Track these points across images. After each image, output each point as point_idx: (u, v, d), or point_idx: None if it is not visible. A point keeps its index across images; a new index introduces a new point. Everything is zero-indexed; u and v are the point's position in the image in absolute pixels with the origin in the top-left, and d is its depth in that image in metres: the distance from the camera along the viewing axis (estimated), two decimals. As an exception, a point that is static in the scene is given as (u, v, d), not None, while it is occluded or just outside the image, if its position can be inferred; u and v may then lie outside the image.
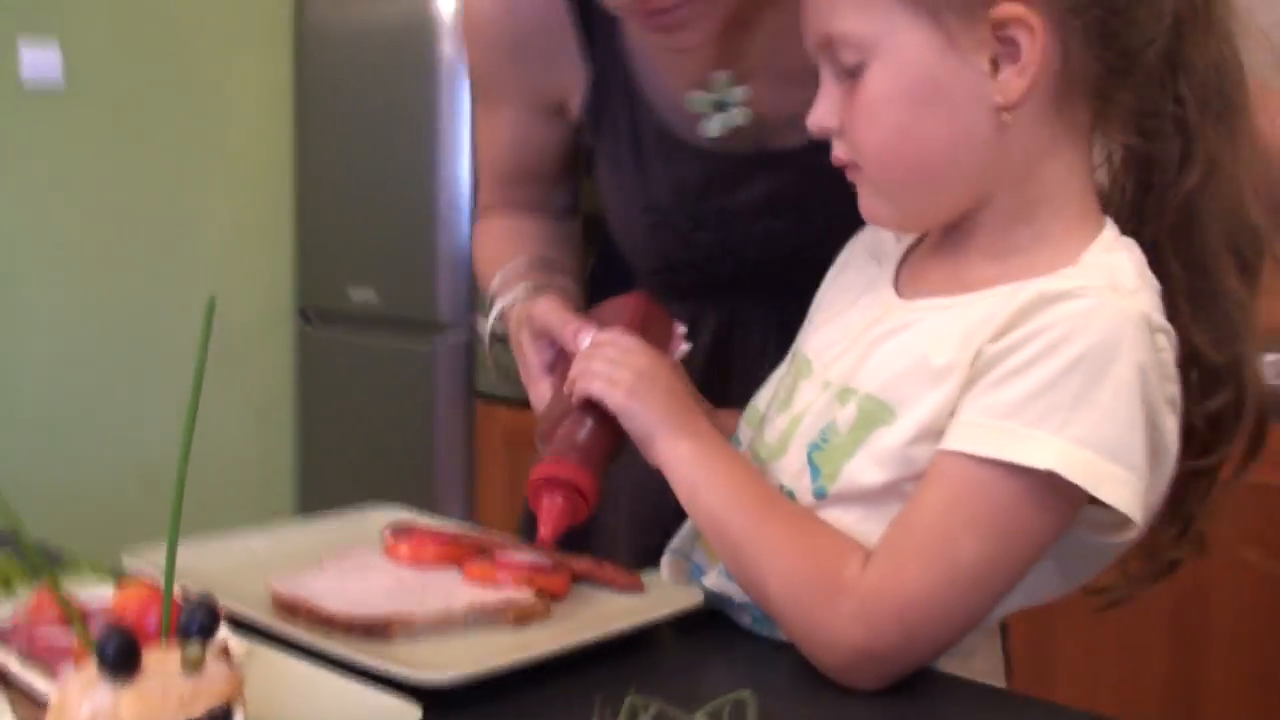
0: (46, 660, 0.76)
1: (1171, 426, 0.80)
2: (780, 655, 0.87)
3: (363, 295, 3.33)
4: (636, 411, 0.91)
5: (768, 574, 0.83)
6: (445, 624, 0.87)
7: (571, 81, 1.15)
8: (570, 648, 0.82)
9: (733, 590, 0.91)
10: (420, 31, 3.16)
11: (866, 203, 0.89)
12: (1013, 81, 0.80)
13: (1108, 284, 0.80)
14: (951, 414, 0.80)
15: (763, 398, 1.01)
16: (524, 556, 0.94)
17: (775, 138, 1.10)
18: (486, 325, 1.17)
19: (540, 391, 1.05)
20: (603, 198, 1.22)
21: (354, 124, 3.34)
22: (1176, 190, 0.84)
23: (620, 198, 1.17)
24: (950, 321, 0.84)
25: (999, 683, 0.91)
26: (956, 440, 0.79)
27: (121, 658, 0.64)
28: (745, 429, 1.00)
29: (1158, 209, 0.84)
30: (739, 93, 1.10)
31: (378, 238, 3.29)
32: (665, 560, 1.03)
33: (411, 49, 3.19)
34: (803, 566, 0.82)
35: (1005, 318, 0.79)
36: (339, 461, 3.46)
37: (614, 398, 0.92)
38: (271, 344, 3.50)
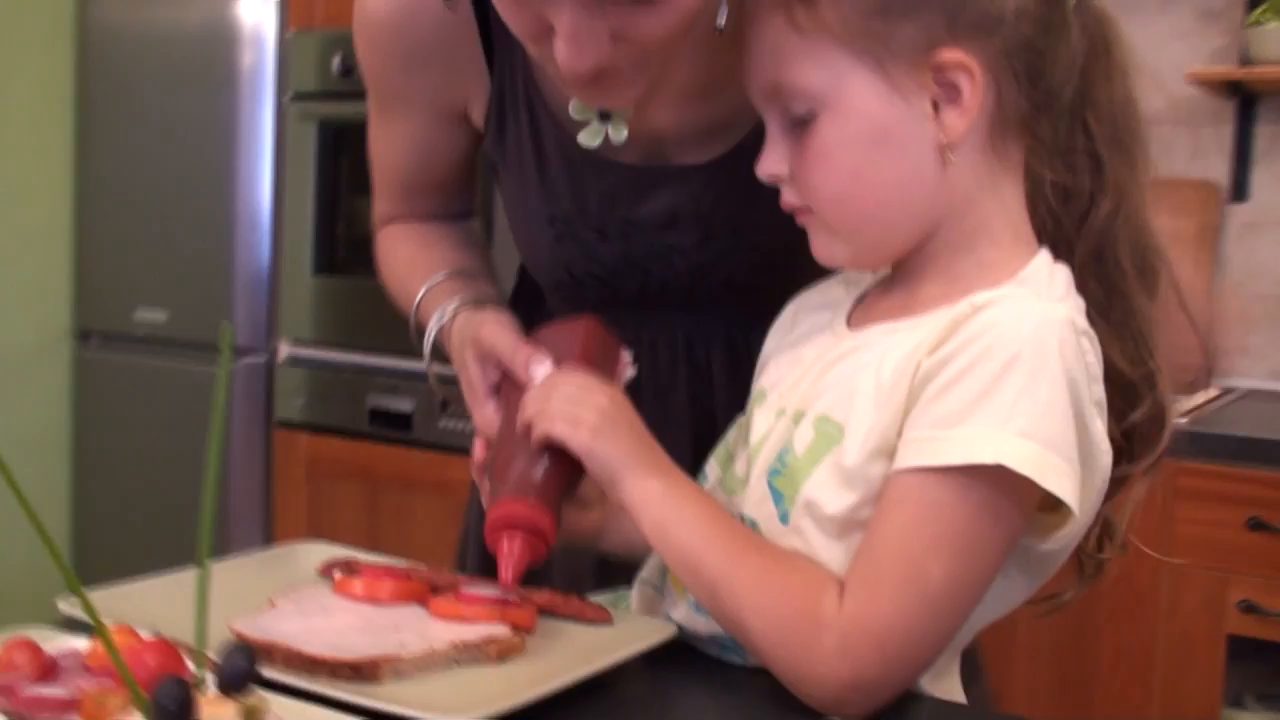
0: (39, 715, 0.71)
1: (1099, 429, 0.85)
2: (752, 680, 0.90)
3: (151, 316, 3.18)
4: (601, 453, 0.91)
5: (747, 613, 0.85)
6: (430, 662, 0.86)
7: (474, 90, 1.14)
8: (583, 677, 0.83)
9: (701, 625, 0.93)
10: (219, 39, 3.06)
11: (821, 245, 0.93)
12: (954, 122, 0.86)
13: (1033, 293, 0.86)
14: (898, 433, 0.85)
15: (730, 437, 1.04)
16: (488, 591, 0.94)
17: (678, 153, 1.12)
18: (426, 341, 1.14)
19: (485, 414, 1.04)
20: (507, 210, 1.21)
21: (143, 133, 3.20)
22: (1093, 217, 0.91)
23: (524, 209, 1.17)
24: (898, 343, 0.88)
25: (959, 699, 0.95)
26: (907, 457, 0.83)
27: (181, 708, 0.62)
28: (714, 467, 1.02)
29: (1076, 235, 0.92)
30: (625, 110, 1.09)
31: (169, 255, 3.16)
32: (635, 591, 1.04)
33: (209, 57, 3.08)
34: (780, 604, 0.84)
35: (940, 331, 0.85)
36: (120, 493, 3.28)
37: (578, 439, 0.91)
38: (46, 368, 3.30)
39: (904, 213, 0.89)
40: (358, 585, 0.96)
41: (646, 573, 1.06)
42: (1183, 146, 2.64)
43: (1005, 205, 0.90)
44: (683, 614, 0.94)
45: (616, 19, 0.87)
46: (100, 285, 3.30)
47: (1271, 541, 2.06)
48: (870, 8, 0.84)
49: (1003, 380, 0.81)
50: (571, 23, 0.87)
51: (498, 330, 1.04)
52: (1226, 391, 2.54)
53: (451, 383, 1.13)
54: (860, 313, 0.97)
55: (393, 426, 2.89)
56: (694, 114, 1.10)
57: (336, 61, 2.92)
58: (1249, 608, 2.08)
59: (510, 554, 0.93)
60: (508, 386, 1.03)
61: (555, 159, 1.13)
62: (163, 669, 0.74)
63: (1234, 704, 2.15)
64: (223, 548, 2.86)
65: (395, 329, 2.92)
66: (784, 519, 0.89)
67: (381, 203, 1.28)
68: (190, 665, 0.77)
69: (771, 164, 0.91)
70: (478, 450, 1.01)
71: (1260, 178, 2.65)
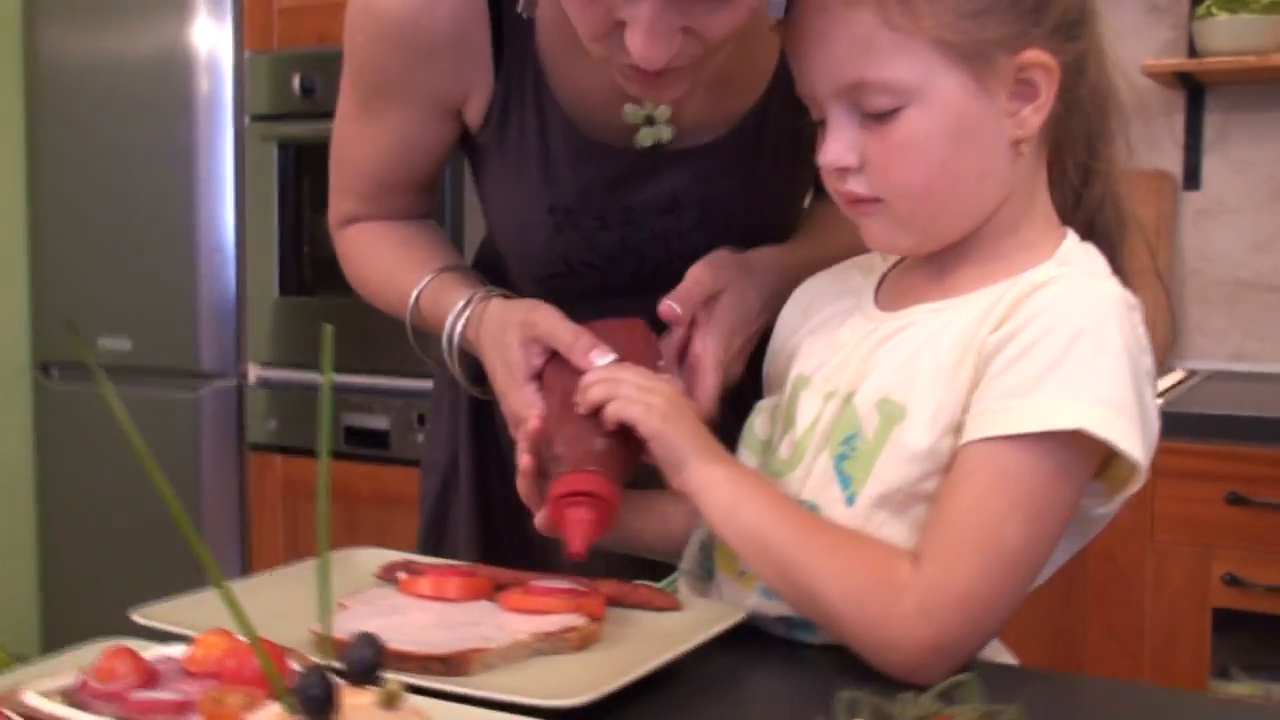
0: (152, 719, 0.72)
1: (1151, 397, 0.90)
2: (823, 656, 0.93)
3: (114, 344, 3.14)
4: (670, 437, 0.94)
5: (823, 583, 0.87)
6: (515, 653, 0.87)
7: (477, 83, 1.15)
8: (669, 660, 0.84)
9: (771, 609, 0.95)
10: (173, 64, 3.05)
11: (881, 233, 0.95)
12: (1030, 118, 0.91)
13: (1086, 272, 0.92)
14: (964, 409, 0.88)
15: (758, 425, 1.06)
16: (556, 584, 0.95)
17: (678, 138, 1.16)
18: (452, 337, 1.14)
19: (525, 395, 1.05)
20: (495, 204, 1.22)
21: (98, 161, 3.17)
22: (1087, 196, 0.97)
23: (521, 201, 1.18)
24: (946, 322, 0.93)
25: (1008, 660, 0.98)
26: (980, 428, 0.87)
27: (325, 697, 0.62)
28: (747, 455, 1.05)
29: (1073, 212, 0.98)
30: (663, 111, 1.14)
31: (131, 284, 3.13)
32: (681, 582, 1.06)
33: (163, 82, 3.06)
34: (857, 570, 0.87)
35: (1002, 309, 0.89)
36: (87, 525, 3.24)
37: (649, 422, 0.94)
38: (6, 401, 3.25)
39: (976, 203, 0.94)
40: (425, 584, 0.97)
41: (688, 564, 1.08)
42: (1136, 138, 2.71)
43: (1040, 189, 0.96)
44: (754, 601, 0.96)
45: (690, 14, 0.91)
46: (60, 316, 3.26)
47: (1251, 515, 2.12)
48: (965, 8, 0.87)
49: (1070, 353, 0.85)
50: (650, 16, 0.90)
51: (554, 317, 1.06)
52: (1191, 374, 2.61)
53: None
54: (890, 294, 1.01)
55: (369, 445, 2.88)
56: (699, 100, 1.13)
57: (296, 81, 2.92)
58: (1232, 580, 2.14)
59: (580, 523, 0.94)
60: (556, 371, 1.05)
61: (561, 150, 1.15)
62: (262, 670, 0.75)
63: (1220, 675, 2.20)
64: (199, 577, 2.83)
65: (368, 347, 2.93)
66: (850, 501, 0.92)
67: (345, 202, 1.26)
68: (292, 664, 0.78)
69: (840, 155, 0.92)
70: (531, 420, 1.01)
71: (1211, 166, 2.72)
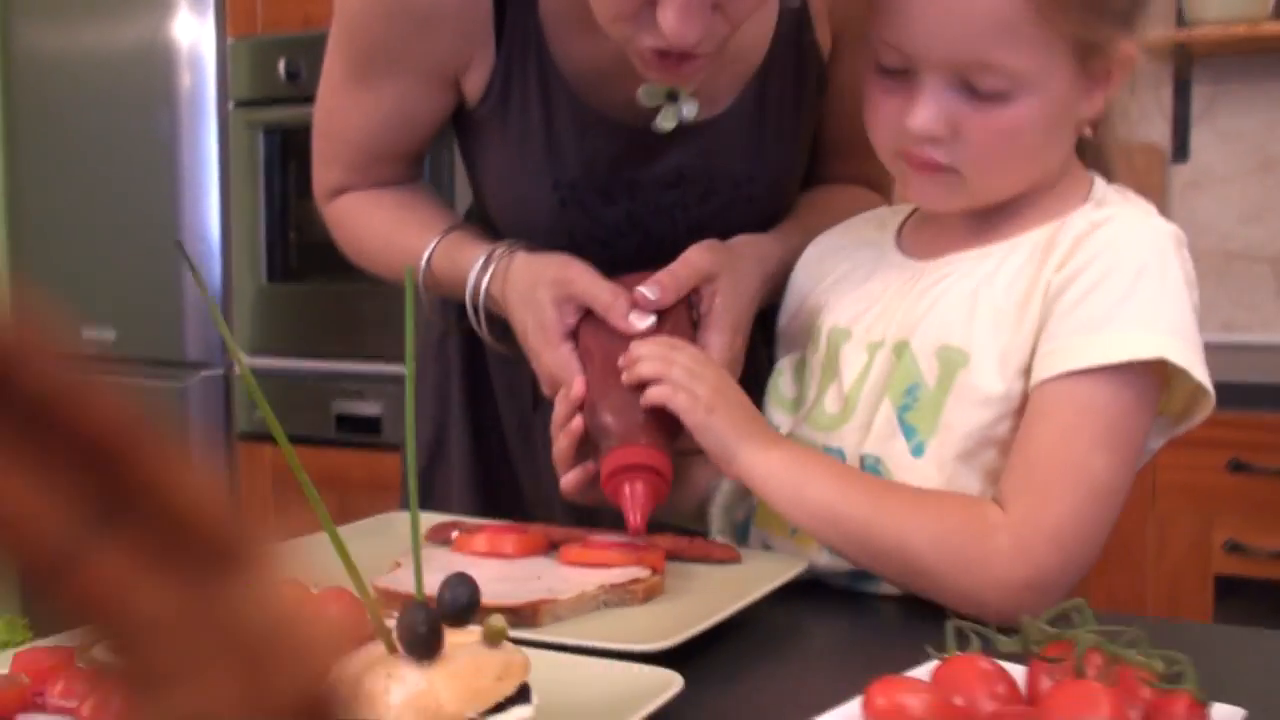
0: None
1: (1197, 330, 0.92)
2: (885, 605, 0.92)
3: (98, 335, 3.10)
4: (717, 429, 0.94)
5: (909, 537, 0.87)
6: (582, 605, 0.86)
7: (477, 54, 1.12)
8: (740, 609, 0.84)
9: (833, 564, 0.95)
10: (155, 54, 3.01)
11: (939, 196, 0.95)
12: (1099, 102, 0.92)
13: (1140, 210, 0.93)
14: (1031, 350, 0.89)
15: (783, 384, 1.05)
16: (616, 538, 0.94)
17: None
18: (478, 293, 1.12)
19: (560, 355, 1.04)
20: (493, 179, 1.19)
21: (79, 151, 3.12)
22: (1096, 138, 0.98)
23: (524, 177, 1.15)
24: (996, 266, 0.94)
25: None
26: (1056, 364, 0.87)
27: (432, 636, 0.61)
28: (779, 415, 1.04)
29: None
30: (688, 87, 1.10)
31: (115, 274, 3.09)
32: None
33: (146, 72, 3.02)
34: (944, 518, 0.87)
35: (1065, 248, 0.89)
36: (71, 517, 3.19)
37: (694, 416, 0.94)
38: (-13, 394, 3.20)
39: (1040, 175, 0.95)
40: (481, 541, 0.96)
41: (717, 525, 1.07)
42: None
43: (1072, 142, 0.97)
44: (827, 560, 0.96)
45: None
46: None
47: (1252, 481, 2.14)
48: (1100, 6, 0.88)
49: (1138, 286, 0.86)
50: None
51: (589, 275, 1.04)
52: (1184, 344, 2.63)
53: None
54: (918, 243, 1.01)
55: (360, 431, 2.86)
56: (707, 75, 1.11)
57: (281, 66, 2.89)
58: (1234, 547, 2.16)
59: (636, 497, 0.94)
60: (593, 331, 1.04)
61: (566, 125, 1.12)
62: (347, 614, 0.74)
63: (1224, 641, 2.22)
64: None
65: (357, 332, 2.89)
66: (917, 451, 0.92)
67: (331, 172, 1.23)
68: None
69: (930, 123, 0.91)
70: (577, 386, 1.00)
71: (1199, 138, 2.74)
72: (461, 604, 0.65)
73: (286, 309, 2.97)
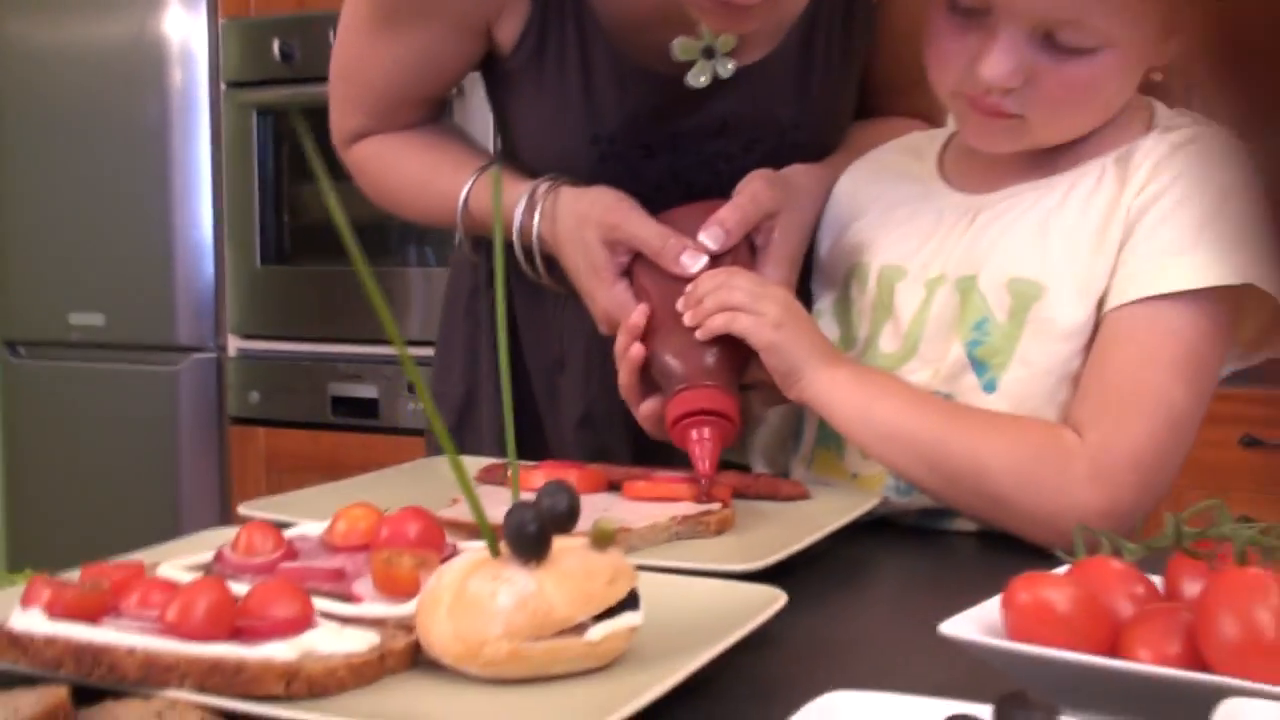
0: (316, 586, 0.66)
1: None
2: (960, 541, 0.90)
3: (87, 320, 3.05)
4: (786, 346, 0.91)
5: (984, 459, 0.85)
6: (655, 535, 0.83)
7: (512, 4, 1.08)
8: (816, 540, 0.81)
9: (902, 502, 0.93)
10: (146, 35, 2.96)
11: (1004, 139, 0.92)
12: (1174, 47, 0.89)
13: (1216, 131, 0.90)
14: (1111, 276, 0.86)
15: (825, 325, 1.02)
16: (680, 474, 0.92)
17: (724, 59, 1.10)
18: (527, 233, 1.07)
19: (615, 295, 1.01)
20: (528, 132, 1.15)
21: (67, 135, 3.06)
22: None
23: (561, 130, 1.12)
24: (1063, 196, 0.91)
25: None
26: (1137, 288, 0.85)
27: (542, 535, 0.58)
28: None
29: None
30: (728, 41, 1.07)
31: (104, 259, 3.02)
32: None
33: (138, 53, 2.97)
34: (1021, 442, 0.84)
35: (1145, 172, 0.87)
36: (55, 504, 3.13)
37: (761, 334, 0.91)
38: (-29, 379, 3.14)
39: (1105, 119, 0.92)
40: (539, 477, 0.92)
41: (762, 466, 1.04)
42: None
43: None
44: (894, 499, 0.93)
45: None
46: (28, 294, 3.15)
47: (1265, 457, 2.13)
48: None
49: (1222, 209, 0.83)
50: None
51: (636, 216, 1.01)
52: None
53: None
54: (968, 174, 0.98)
55: (357, 414, 2.81)
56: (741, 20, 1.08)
57: (276, 46, 2.84)
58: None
59: (705, 441, 0.91)
60: (646, 273, 1.01)
61: (605, 77, 1.08)
62: (426, 531, 0.71)
63: (1236, 619, 2.21)
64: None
65: (354, 314, 2.85)
66: (989, 387, 0.89)
67: (352, 118, 1.19)
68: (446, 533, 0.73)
69: (1007, 73, 0.87)
70: (636, 315, 0.97)
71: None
72: (562, 510, 0.62)
73: (281, 292, 2.93)
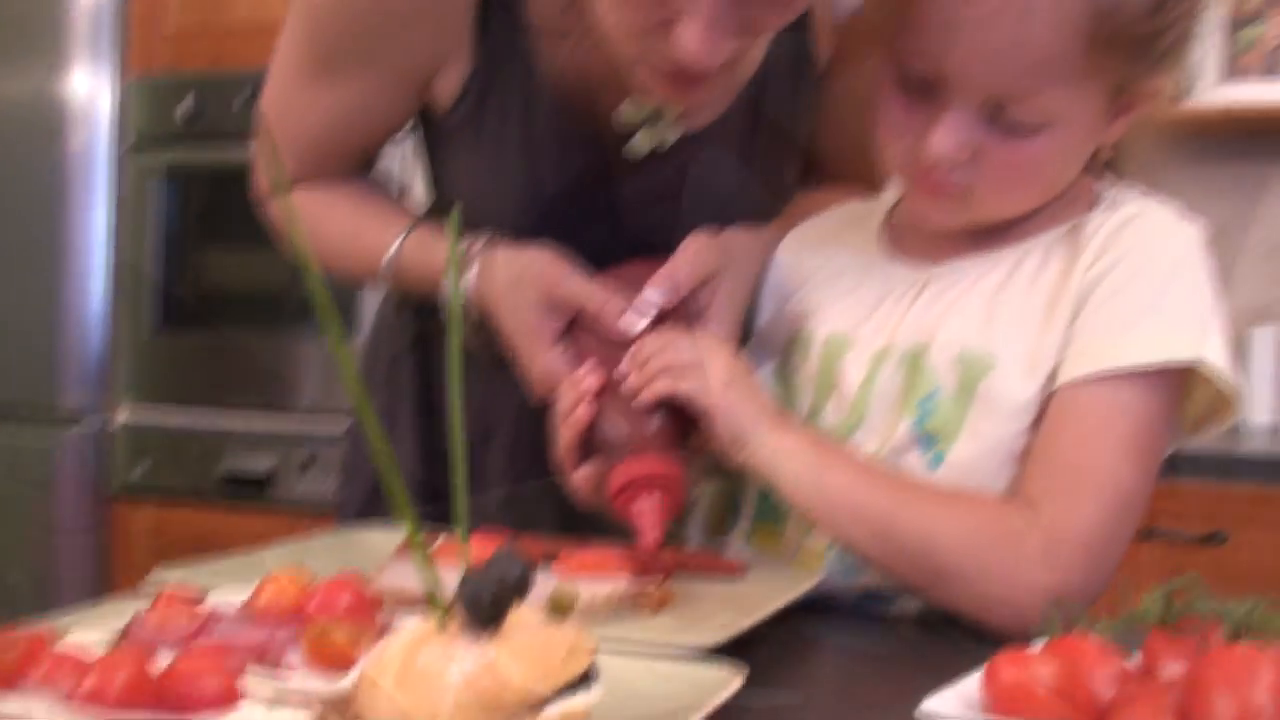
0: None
1: None
2: (897, 627, 0.88)
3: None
4: (732, 410, 0.89)
5: (935, 533, 0.83)
6: (593, 613, 0.79)
7: (454, 55, 1.06)
8: (783, 606, 0.78)
9: (843, 581, 0.91)
10: (47, 91, 2.88)
11: (948, 214, 0.92)
12: (1120, 129, 0.90)
13: (1165, 208, 0.91)
14: (1060, 350, 0.86)
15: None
16: (618, 547, 0.88)
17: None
18: (460, 288, 1.03)
19: (553, 359, 0.97)
20: (463, 192, 1.11)
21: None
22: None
23: (496, 190, 1.09)
24: (1012, 269, 0.91)
25: None
26: (1086, 364, 0.84)
27: (498, 605, 0.54)
28: None
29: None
30: (674, 109, 1.05)
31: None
32: None
33: (34, 130, 2.88)
34: (973, 519, 0.83)
35: (1095, 247, 0.87)
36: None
37: (708, 398, 0.89)
38: None
39: (1050, 196, 0.92)
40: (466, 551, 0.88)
41: (697, 544, 1.02)
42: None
43: None
44: (836, 579, 0.91)
45: (751, 10, 0.85)
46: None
47: (1166, 549, 2.15)
48: (1135, 52, 0.84)
49: (1171, 286, 0.84)
50: (713, 11, 0.83)
51: (574, 274, 0.98)
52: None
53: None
54: (915, 246, 0.97)
55: (249, 490, 2.72)
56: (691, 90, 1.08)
57: (186, 105, 2.78)
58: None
59: (651, 511, 0.88)
60: (585, 335, 0.98)
61: (547, 138, 1.06)
62: (358, 601, 0.67)
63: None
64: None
65: (251, 382, 2.77)
66: (937, 461, 0.88)
67: (286, 165, 1.15)
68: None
69: (954, 148, 0.86)
70: (590, 379, 0.93)
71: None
72: (515, 578, 0.58)
73: (175, 360, 2.84)
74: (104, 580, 2.87)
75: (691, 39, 0.84)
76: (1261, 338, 2.44)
